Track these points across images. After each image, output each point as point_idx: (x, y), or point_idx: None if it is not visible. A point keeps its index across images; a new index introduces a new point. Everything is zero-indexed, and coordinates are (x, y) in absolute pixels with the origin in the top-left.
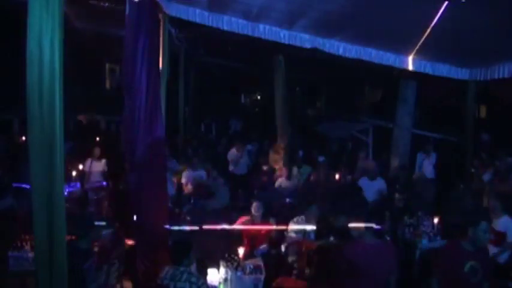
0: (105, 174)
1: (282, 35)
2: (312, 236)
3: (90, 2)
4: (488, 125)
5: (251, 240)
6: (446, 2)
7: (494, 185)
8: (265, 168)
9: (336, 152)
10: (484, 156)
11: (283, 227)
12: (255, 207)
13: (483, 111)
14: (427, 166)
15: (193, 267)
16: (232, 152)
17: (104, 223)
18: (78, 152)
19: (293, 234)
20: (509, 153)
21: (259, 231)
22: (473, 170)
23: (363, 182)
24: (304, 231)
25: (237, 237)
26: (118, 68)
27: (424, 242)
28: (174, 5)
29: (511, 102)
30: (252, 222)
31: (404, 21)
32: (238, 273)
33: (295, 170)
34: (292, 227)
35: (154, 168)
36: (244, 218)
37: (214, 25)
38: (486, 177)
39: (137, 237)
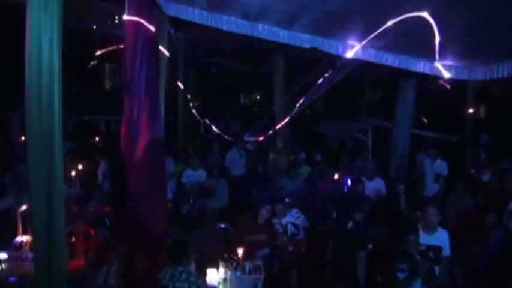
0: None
1: (281, 35)
2: (302, 233)
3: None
4: (488, 125)
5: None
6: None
7: (494, 184)
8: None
9: (336, 152)
10: (483, 156)
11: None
12: (265, 210)
13: (482, 111)
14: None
15: (192, 267)
16: (233, 152)
17: None
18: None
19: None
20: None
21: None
22: (472, 171)
23: None
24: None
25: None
26: (117, 68)
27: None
28: (173, 5)
29: (510, 102)
30: (255, 225)
31: (404, 20)
32: (238, 274)
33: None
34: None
35: (153, 169)
36: (246, 223)
37: (214, 25)
38: (485, 177)
39: (136, 237)
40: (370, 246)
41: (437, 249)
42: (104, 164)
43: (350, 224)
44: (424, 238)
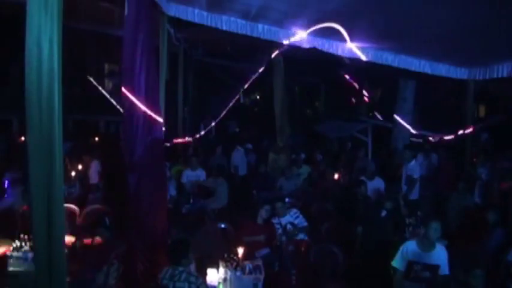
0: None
1: (281, 35)
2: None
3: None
4: (487, 125)
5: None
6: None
7: (495, 183)
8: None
9: (336, 151)
10: (481, 155)
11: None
12: (264, 210)
13: (482, 111)
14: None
15: (192, 267)
16: (238, 151)
17: None
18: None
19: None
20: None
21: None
22: (472, 171)
23: None
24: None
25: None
26: (117, 68)
27: None
28: (173, 5)
29: (510, 101)
30: (253, 225)
31: (405, 21)
32: (238, 274)
33: (294, 169)
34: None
35: (153, 169)
36: (245, 223)
37: (213, 25)
38: (484, 178)
39: (136, 238)
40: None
41: (434, 268)
42: (96, 163)
43: (384, 213)
44: (421, 256)
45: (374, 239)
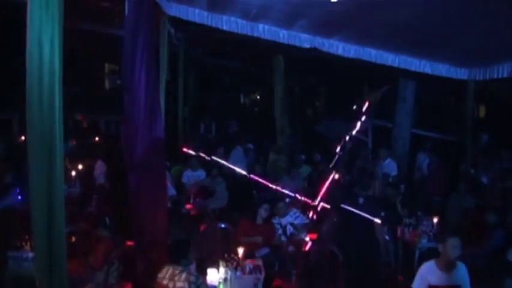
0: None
1: (281, 35)
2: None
3: (90, 2)
4: (488, 125)
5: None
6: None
7: (496, 183)
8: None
9: (335, 152)
10: (482, 156)
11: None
12: (263, 209)
13: (482, 111)
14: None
15: (192, 267)
16: (237, 151)
17: None
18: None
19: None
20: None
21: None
22: (472, 171)
23: None
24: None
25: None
26: (117, 68)
27: (424, 242)
28: (173, 5)
29: (510, 102)
30: (252, 225)
31: (405, 21)
32: (238, 273)
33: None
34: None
35: (153, 168)
36: (244, 223)
37: (214, 25)
38: (485, 179)
39: (136, 237)
40: (382, 213)
41: None
42: (101, 163)
43: (361, 200)
44: (442, 278)
45: (353, 225)
